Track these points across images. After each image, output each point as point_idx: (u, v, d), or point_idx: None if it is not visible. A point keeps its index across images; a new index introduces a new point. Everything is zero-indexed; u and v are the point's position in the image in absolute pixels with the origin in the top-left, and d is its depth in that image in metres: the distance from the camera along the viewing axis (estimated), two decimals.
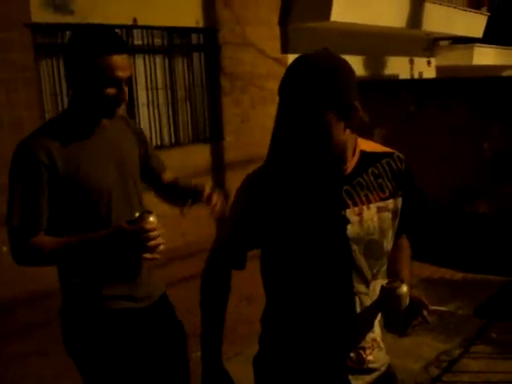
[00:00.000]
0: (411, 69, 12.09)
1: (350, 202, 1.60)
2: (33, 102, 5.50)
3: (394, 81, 10.09)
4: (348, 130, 1.55)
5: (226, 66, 7.40)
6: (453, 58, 14.05)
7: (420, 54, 12.44)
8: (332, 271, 1.61)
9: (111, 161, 2.05)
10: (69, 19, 5.78)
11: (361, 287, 1.63)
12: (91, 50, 1.90)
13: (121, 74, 1.94)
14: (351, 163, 1.62)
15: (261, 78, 7.85)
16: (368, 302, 1.65)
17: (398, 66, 11.27)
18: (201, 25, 7.15)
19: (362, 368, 1.70)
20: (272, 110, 7.99)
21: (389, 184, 1.67)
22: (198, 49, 7.28)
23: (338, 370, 1.68)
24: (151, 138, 6.71)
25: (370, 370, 1.72)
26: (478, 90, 6.26)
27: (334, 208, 1.59)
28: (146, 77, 6.70)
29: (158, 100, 6.88)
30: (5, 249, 5.33)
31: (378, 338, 1.76)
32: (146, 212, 1.89)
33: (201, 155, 7.20)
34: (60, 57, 5.82)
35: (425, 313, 1.64)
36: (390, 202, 1.67)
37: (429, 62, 12.96)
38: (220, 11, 7.29)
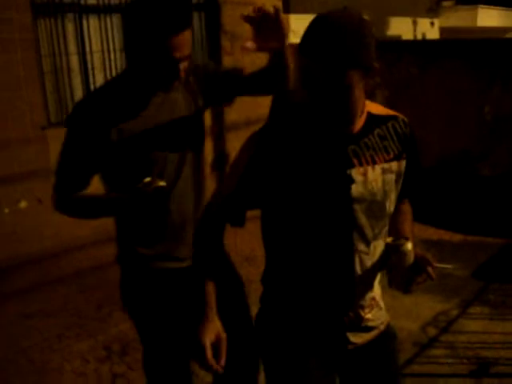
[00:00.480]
0: (414, 30, 11.94)
1: (355, 162, 1.60)
2: (31, 62, 5.43)
3: (397, 42, 9.96)
4: (363, 90, 1.55)
5: (226, 25, 7.29)
6: (456, 19, 13.87)
7: (423, 15, 12.26)
8: (333, 229, 1.61)
9: (167, 132, 2.02)
10: None
11: (361, 246, 1.64)
12: (162, 28, 1.79)
13: (180, 53, 1.87)
14: (358, 123, 1.62)
15: None
16: (368, 261, 1.67)
17: (400, 27, 11.12)
18: None
19: (360, 326, 1.72)
20: None
21: (393, 146, 1.68)
22: (198, 8, 7.16)
23: (337, 328, 1.70)
24: None
25: (369, 328, 1.75)
26: (480, 52, 6.18)
27: (340, 167, 1.59)
28: None
29: None
30: (6, 210, 5.36)
31: (378, 298, 1.78)
32: (157, 178, 1.92)
33: None
34: (58, 17, 5.74)
35: (429, 269, 1.67)
36: (394, 164, 1.67)
37: (432, 23, 12.79)
38: None
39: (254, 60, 7.66)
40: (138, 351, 3.66)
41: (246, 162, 1.61)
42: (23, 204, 5.49)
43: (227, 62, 7.39)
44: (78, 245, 5.45)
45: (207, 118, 7.24)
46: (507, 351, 3.55)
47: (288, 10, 8.12)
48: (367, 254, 1.66)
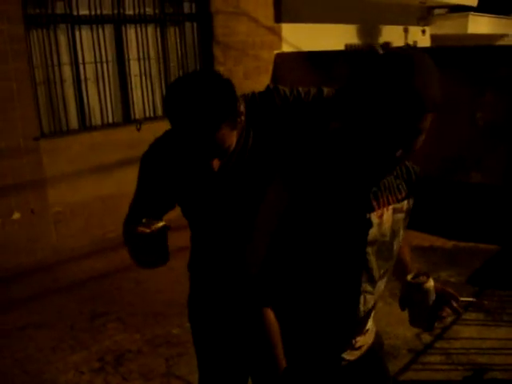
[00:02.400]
0: (405, 38, 12.01)
1: (375, 204, 1.54)
2: (23, 73, 5.43)
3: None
4: None
5: (218, 35, 7.32)
6: (447, 26, 13.97)
7: (415, 23, 12.34)
8: (343, 271, 1.56)
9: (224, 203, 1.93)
10: None
11: (367, 287, 1.61)
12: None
13: (209, 154, 1.77)
14: None
15: (254, 48, 7.78)
16: (371, 300, 1.64)
17: (392, 35, 11.18)
18: None
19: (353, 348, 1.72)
20: (266, 79, 7.94)
21: (404, 185, 1.63)
22: (190, 18, 7.19)
23: (331, 353, 1.69)
24: (144, 110, 6.68)
25: (361, 347, 1.75)
26: (472, 59, 6.22)
27: (361, 210, 1.52)
28: (137, 47, 6.63)
29: (150, 70, 6.81)
30: (16, 215, 5.36)
31: (370, 327, 1.77)
32: (154, 219, 1.84)
33: None
34: (50, 28, 5.75)
35: (455, 304, 1.62)
36: (405, 203, 1.63)
37: (423, 31, 12.86)
38: None
39: (246, 69, 7.72)
40: (132, 362, 3.66)
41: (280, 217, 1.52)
42: (16, 215, 5.47)
43: (220, 71, 7.40)
44: (71, 256, 5.45)
45: None
46: (502, 357, 3.55)
47: (280, 19, 8.16)
48: (372, 293, 1.63)
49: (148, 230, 1.77)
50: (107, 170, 5.98)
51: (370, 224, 1.53)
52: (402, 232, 1.65)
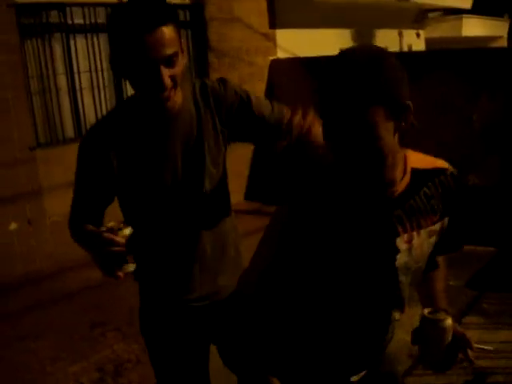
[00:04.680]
0: (400, 41, 12.04)
1: (400, 229, 1.43)
2: (18, 83, 5.43)
3: None
4: (397, 138, 1.35)
5: (212, 42, 7.33)
6: (442, 29, 14.02)
7: (409, 26, 12.37)
8: (373, 300, 1.48)
9: (171, 158, 1.87)
10: None
11: (397, 315, 1.54)
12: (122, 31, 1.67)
13: (154, 54, 1.65)
14: (402, 183, 1.43)
15: (249, 54, 7.79)
16: (396, 328, 1.58)
17: (387, 39, 11.21)
18: (186, 0, 7.07)
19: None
20: (261, 85, 7.95)
21: (440, 205, 1.50)
22: (185, 25, 7.19)
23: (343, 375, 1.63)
24: None
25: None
26: (466, 61, 6.23)
27: (384, 236, 1.43)
28: None
29: None
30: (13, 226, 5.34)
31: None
32: (121, 224, 1.70)
33: None
34: (45, 37, 5.75)
35: (470, 353, 1.50)
36: (439, 224, 1.51)
37: (418, 34, 12.90)
38: None
39: (241, 75, 7.72)
40: (131, 372, 3.64)
41: (277, 239, 1.47)
42: (13, 226, 5.45)
43: (215, 78, 7.40)
44: (69, 266, 5.42)
45: None
46: (503, 360, 3.54)
47: (274, 25, 8.17)
48: (399, 320, 1.56)
49: (117, 239, 1.64)
50: None
51: (396, 250, 1.43)
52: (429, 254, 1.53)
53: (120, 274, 1.66)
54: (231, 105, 1.97)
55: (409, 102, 1.30)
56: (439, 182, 1.49)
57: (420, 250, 1.47)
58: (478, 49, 8.26)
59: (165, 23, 1.67)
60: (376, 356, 1.58)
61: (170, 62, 1.69)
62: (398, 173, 1.41)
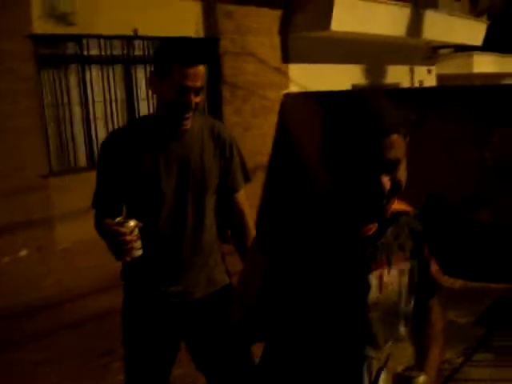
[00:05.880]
0: (411, 77, 12.12)
1: (373, 266, 1.48)
2: (34, 112, 5.52)
3: (395, 89, 10.11)
4: None
5: (227, 76, 7.43)
6: (453, 66, 14.08)
7: (420, 63, 12.47)
8: (344, 336, 1.51)
9: (173, 169, 2.25)
10: (70, 30, 5.81)
11: (372, 352, 1.54)
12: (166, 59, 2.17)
13: (191, 83, 2.16)
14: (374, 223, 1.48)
15: (262, 87, 7.88)
16: (376, 366, 1.57)
17: (398, 75, 11.31)
18: (201, 35, 7.18)
19: None
20: (273, 118, 7.97)
21: (409, 244, 1.56)
22: None
23: None
24: None
25: None
26: (478, 98, 6.26)
27: (356, 272, 1.47)
28: (146, 87, 6.71)
29: (157, 110, 6.88)
30: (6, 259, 5.35)
31: None
32: (128, 218, 2.07)
33: None
34: (61, 67, 5.85)
35: None
36: (409, 263, 1.56)
37: (429, 71, 12.99)
38: (220, 21, 7.33)
39: (254, 108, 7.80)
40: None
41: (261, 275, 1.51)
42: (23, 252, 5.48)
43: (228, 110, 7.49)
44: (78, 293, 5.43)
45: None
46: None
47: (287, 59, 8.27)
48: (378, 359, 1.55)
49: (123, 230, 2.01)
50: None
51: (367, 285, 1.47)
52: (407, 295, 1.56)
53: (127, 258, 2.05)
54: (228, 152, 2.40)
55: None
56: (405, 222, 1.56)
57: (391, 287, 1.51)
58: (489, 85, 8.30)
59: (202, 63, 2.19)
60: None
61: (197, 91, 2.20)
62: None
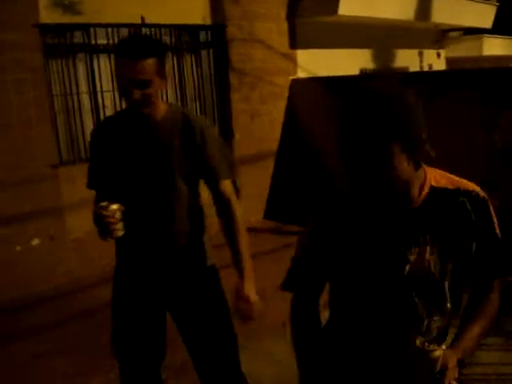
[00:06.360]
0: (421, 61, 12.03)
1: (412, 242, 1.53)
2: (42, 102, 5.53)
3: (405, 73, 10.04)
4: (412, 164, 1.47)
5: (234, 63, 7.40)
6: (462, 49, 13.98)
7: (429, 46, 12.37)
8: (387, 307, 1.57)
9: (142, 157, 2.38)
10: (77, 19, 5.81)
11: (413, 324, 1.59)
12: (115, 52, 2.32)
13: (127, 74, 2.23)
14: (419, 199, 1.54)
15: (270, 74, 7.85)
16: (420, 339, 1.58)
17: (407, 59, 11.22)
18: (208, 21, 7.16)
19: None
20: (281, 104, 7.99)
21: (460, 226, 1.56)
22: (206, 46, 7.29)
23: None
24: None
25: None
26: (487, 81, 6.21)
27: (396, 247, 1.53)
28: None
29: (167, 98, 6.89)
30: (18, 248, 5.39)
31: None
32: (110, 202, 2.26)
33: None
34: (69, 57, 5.86)
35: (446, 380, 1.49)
36: (458, 245, 1.57)
37: (438, 54, 12.88)
38: (227, 7, 7.29)
39: (262, 95, 7.78)
40: None
41: (306, 239, 1.64)
42: (35, 241, 5.52)
43: (236, 97, 7.48)
44: (89, 283, 5.46)
45: None
46: None
47: (295, 45, 8.23)
48: (422, 334, 1.59)
49: (105, 213, 2.23)
50: None
51: (406, 260, 1.52)
52: (456, 277, 1.59)
53: (110, 238, 2.30)
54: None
55: (424, 136, 1.44)
56: (460, 203, 1.55)
57: (433, 265, 1.53)
58: (498, 68, 8.23)
59: (144, 57, 2.22)
60: (396, 366, 1.59)
61: (142, 84, 2.23)
62: (415, 190, 1.51)
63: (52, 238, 5.62)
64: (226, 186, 2.43)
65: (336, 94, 8.25)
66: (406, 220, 1.52)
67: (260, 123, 7.82)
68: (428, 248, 1.52)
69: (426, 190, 1.54)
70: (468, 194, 1.58)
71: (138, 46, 2.23)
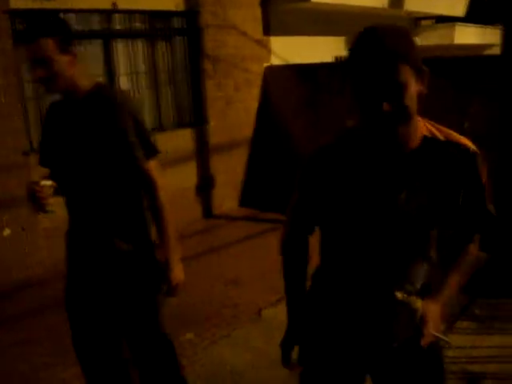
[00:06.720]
0: None
1: (403, 186, 1.59)
2: (12, 88, 5.44)
3: None
4: (420, 83, 1.54)
5: (208, 49, 7.35)
6: (435, 37, 14.07)
7: None
8: (375, 251, 1.64)
9: (67, 140, 2.44)
10: (47, 5, 5.70)
11: (398, 269, 1.68)
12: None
13: (29, 57, 2.35)
14: (412, 145, 1.60)
15: (244, 61, 7.82)
16: (407, 288, 1.67)
17: None
18: (181, 8, 7.09)
19: None
20: (256, 92, 7.98)
21: (448, 175, 1.62)
22: (180, 32, 7.22)
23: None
24: None
25: None
26: (458, 69, 6.27)
27: (386, 187, 1.59)
28: (127, 61, 6.64)
29: (139, 85, 6.83)
30: (6, 231, 5.32)
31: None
32: (43, 179, 2.35)
33: (184, 140, 7.18)
34: None
35: (425, 331, 1.61)
36: (443, 193, 1.62)
37: None
38: None
39: (236, 82, 7.74)
40: None
41: (305, 180, 1.71)
42: (7, 231, 5.44)
43: (210, 85, 7.43)
44: (62, 273, 5.41)
45: (190, 140, 7.26)
46: (495, 365, 3.56)
47: (268, 32, 8.20)
48: (407, 281, 1.69)
49: (36, 188, 2.30)
50: None
51: (395, 201, 1.58)
52: (436, 221, 1.65)
53: (40, 212, 2.39)
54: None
55: (425, 67, 1.55)
56: (449, 154, 1.62)
57: (421, 211, 1.59)
58: (470, 56, 8.31)
59: (37, 36, 2.34)
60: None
61: (43, 63, 2.31)
62: (412, 135, 1.58)
63: (23, 227, 5.55)
64: (150, 166, 2.41)
65: (309, 81, 8.30)
66: (398, 165, 1.58)
67: (234, 110, 7.80)
68: (418, 193, 1.58)
69: (419, 138, 1.61)
70: (457, 146, 1.65)
71: (31, 29, 2.37)
